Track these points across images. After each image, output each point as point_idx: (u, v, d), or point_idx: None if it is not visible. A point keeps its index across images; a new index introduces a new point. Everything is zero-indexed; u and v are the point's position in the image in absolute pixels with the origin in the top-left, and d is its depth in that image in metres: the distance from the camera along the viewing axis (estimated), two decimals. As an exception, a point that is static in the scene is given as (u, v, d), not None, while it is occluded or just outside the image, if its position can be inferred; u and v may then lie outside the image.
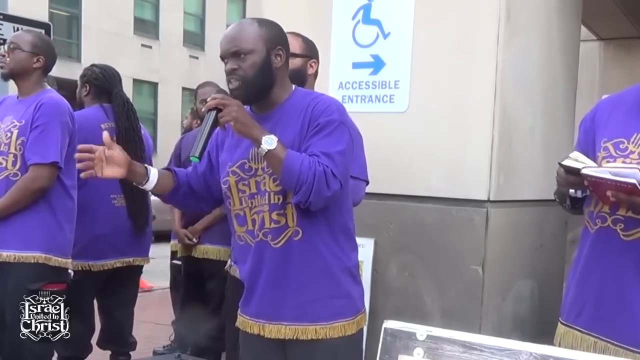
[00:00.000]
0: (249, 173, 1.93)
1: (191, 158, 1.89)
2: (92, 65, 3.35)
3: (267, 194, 1.90)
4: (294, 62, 2.36)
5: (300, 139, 1.87)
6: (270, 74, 1.91)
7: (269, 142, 1.78)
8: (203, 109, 1.95)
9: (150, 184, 1.98)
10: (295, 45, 2.38)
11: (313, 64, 2.44)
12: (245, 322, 2.00)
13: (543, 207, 2.97)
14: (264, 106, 1.95)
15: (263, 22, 1.97)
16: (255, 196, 1.92)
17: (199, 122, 4.48)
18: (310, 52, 2.44)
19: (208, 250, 3.55)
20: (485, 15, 2.63)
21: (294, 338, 1.91)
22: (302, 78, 2.39)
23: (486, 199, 2.63)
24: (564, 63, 3.13)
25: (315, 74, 2.46)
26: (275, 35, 1.95)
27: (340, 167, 1.81)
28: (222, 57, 1.92)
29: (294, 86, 2.00)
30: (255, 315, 1.98)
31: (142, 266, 3.38)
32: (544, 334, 2.93)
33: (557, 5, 3.02)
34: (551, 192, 3.05)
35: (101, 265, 3.14)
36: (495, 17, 2.61)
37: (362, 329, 2.00)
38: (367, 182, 2.41)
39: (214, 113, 1.87)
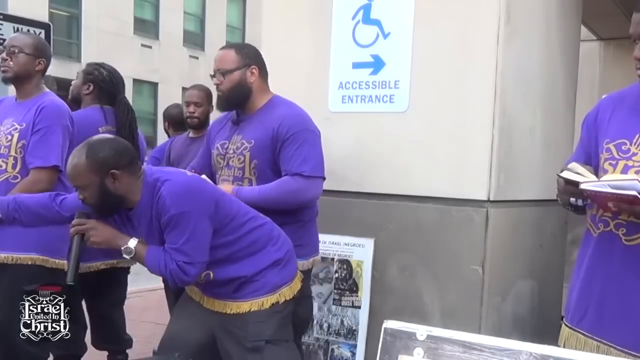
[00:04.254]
0: None
1: (68, 282, 2.18)
2: (99, 65, 3.30)
3: None
4: (232, 78, 2.42)
5: (160, 232, 2.10)
6: (113, 195, 2.09)
7: (128, 251, 2.11)
8: (70, 236, 2.17)
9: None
10: (227, 61, 2.43)
11: (253, 71, 2.45)
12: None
13: (543, 207, 2.97)
14: (127, 206, 2.16)
15: None
16: None
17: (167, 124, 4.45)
18: (247, 60, 2.45)
19: None
20: (485, 15, 2.63)
21: (222, 311, 2.25)
22: (246, 90, 2.44)
23: (486, 199, 2.63)
24: (564, 63, 3.13)
25: (261, 78, 2.48)
26: (103, 162, 2.08)
27: (192, 253, 2.07)
28: None
29: (141, 177, 2.13)
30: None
31: (128, 267, 3.37)
32: (544, 333, 2.93)
33: (557, 6, 3.02)
34: (551, 192, 3.05)
35: (87, 267, 3.12)
36: (495, 17, 2.61)
37: (285, 301, 2.26)
38: (324, 178, 2.50)
39: (78, 237, 2.14)
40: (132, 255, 2.11)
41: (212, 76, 2.49)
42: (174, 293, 3.96)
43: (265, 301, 2.22)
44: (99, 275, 3.17)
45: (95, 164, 2.05)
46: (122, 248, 2.11)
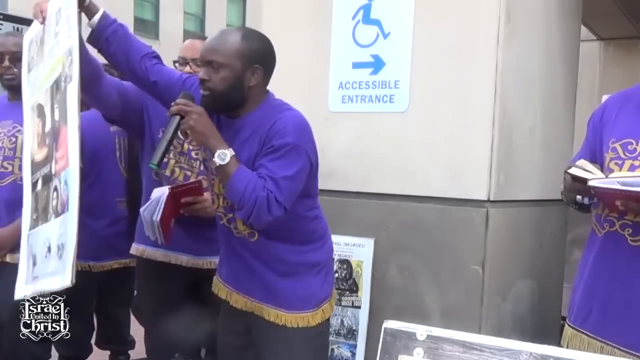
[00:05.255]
0: (210, 173, 2.04)
1: (150, 165, 1.94)
2: (108, 66, 3.28)
3: (220, 196, 2.02)
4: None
5: (256, 156, 1.90)
6: (241, 90, 1.92)
7: (222, 157, 1.85)
8: (167, 114, 1.96)
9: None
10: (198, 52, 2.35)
11: None
12: (218, 284, 2.18)
13: (543, 207, 2.97)
14: (234, 113, 1.99)
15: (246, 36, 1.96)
16: (220, 196, 2.03)
17: None
18: None
19: None
20: (486, 15, 2.63)
21: (255, 313, 2.07)
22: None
23: (486, 199, 2.63)
24: (564, 63, 3.13)
25: None
26: (255, 52, 1.94)
27: (286, 193, 1.84)
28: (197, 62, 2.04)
29: (267, 93, 2.01)
30: (227, 281, 2.14)
31: None
32: (543, 333, 2.93)
33: (557, 6, 3.02)
34: (551, 192, 3.06)
35: (101, 266, 3.15)
36: (495, 17, 2.61)
37: (328, 319, 2.12)
38: None
39: (177, 118, 1.89)
40: (224, 163, 1.85)
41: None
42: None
43: (311, 318, 2.05)
44: (110, 274, 3.19)
45: (248, 50, 1.90)
46: (217, 152, 1.85)
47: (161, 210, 2.32)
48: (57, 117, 2.20)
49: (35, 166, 2.39)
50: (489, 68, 2.62)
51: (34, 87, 2.41)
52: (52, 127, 2.23)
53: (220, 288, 2.15)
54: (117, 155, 3.12)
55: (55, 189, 2.19)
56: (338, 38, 2.96)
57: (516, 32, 2.68)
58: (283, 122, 1.87)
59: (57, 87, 2.17)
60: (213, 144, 1.87)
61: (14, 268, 2.65)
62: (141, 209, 2.44)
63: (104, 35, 2.09)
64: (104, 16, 2.10)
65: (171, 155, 2.50)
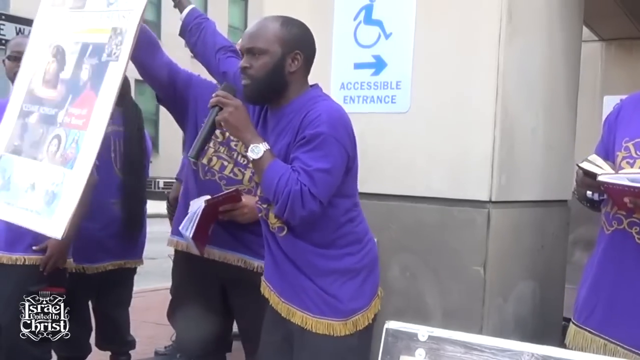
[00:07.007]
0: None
1: (189, 157, 1.96)
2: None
3: (259, 186, 1.97)
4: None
5: (288, 146, 1.85)
6: (281, 77, 1.89)
7: (255, 151, 1.81)
8: (208, 105, 1.93)
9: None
10: None
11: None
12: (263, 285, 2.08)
13: (545, 208, 2.97)
14: (276, 103, 1.95)
15: (286, 22, 1.96)
16: (259, 186, 1.97)
17: None
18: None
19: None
20: (487, 15, 2.63)
21: (285, 316, 1.96)
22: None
23: (488, 199, 2.62)
24: (565, 64, 3.13)
25: None
26: (294, 38, 1.93)
27: (321, 186, 1.76)
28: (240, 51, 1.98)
29: (313, 86, 1.98)
30: (267, 279, 2.05)
31: (135, 268, 3.38)
32: (545, 334, 2.93)
33: (559, 6, 3.02)
34: (553, 193, 3.06)
35: (95, 268, 3.14)
36: (496, 18, 2.60)
37: (357, 333, 1.92)
38: None
39: (215, 110, 1.88)
40: (257, 157, 1.80)
41: None
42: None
43: (339, 327, 1.89)
44: (105, 275, 3.18)
45: (288, 36, 1.89)
46: (251, 145, 1.81)
47: (194, 227, 2.32)
48: (84, 77, 2.25)
49: (34, 99, 2.40)
50: (490, 68, 2.61)
51: (56, 25, 2.45)
52: (74, 81, 2.27)
53: (264, 287, 2.06)
54: (113, 156, 3.12)
55: (58, 137, 2.23)
56: (339, 38, 2.96)
57: (518, 32, 2.68)
58: (316, 112, 1.80)
59: (94, 52, 2.23)
60: (247, 138, 1.84)
61: (14, 269, 2.66)
62: (180, 227, 2.45)
63: (188, 27, 2.36)
64: (191, 11, 2.37)
65: (211, 144, 2.47)
